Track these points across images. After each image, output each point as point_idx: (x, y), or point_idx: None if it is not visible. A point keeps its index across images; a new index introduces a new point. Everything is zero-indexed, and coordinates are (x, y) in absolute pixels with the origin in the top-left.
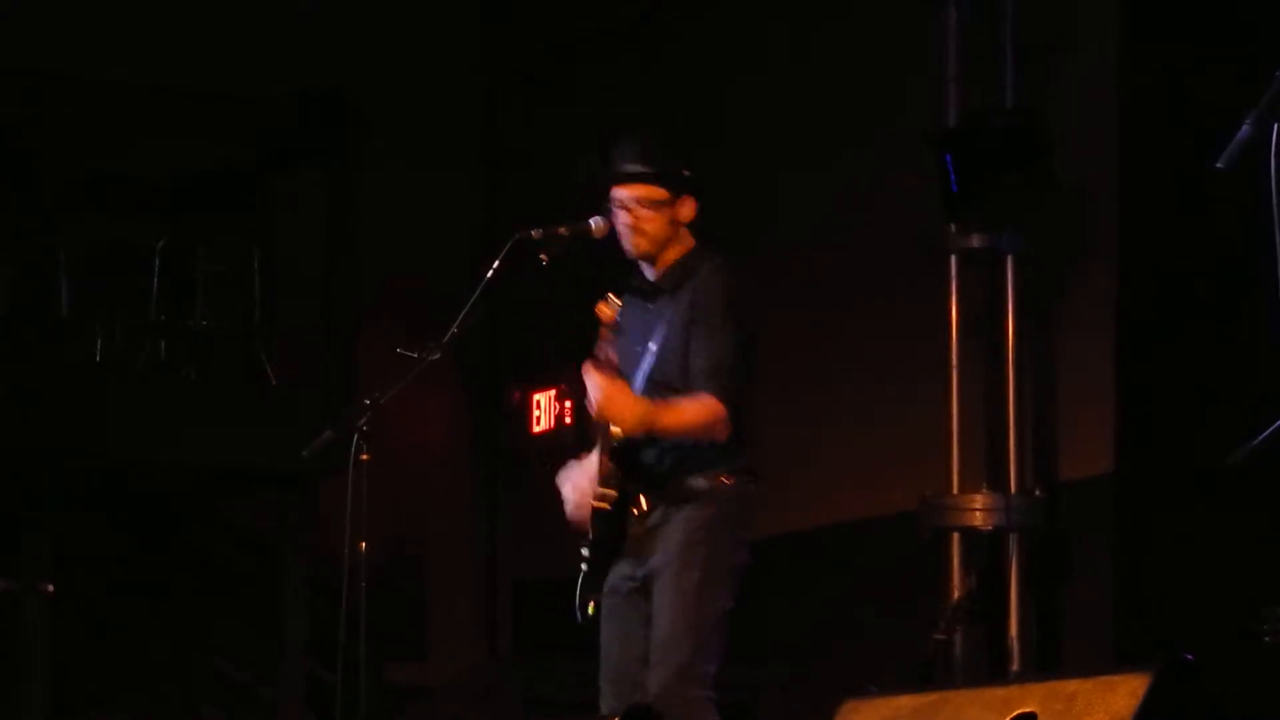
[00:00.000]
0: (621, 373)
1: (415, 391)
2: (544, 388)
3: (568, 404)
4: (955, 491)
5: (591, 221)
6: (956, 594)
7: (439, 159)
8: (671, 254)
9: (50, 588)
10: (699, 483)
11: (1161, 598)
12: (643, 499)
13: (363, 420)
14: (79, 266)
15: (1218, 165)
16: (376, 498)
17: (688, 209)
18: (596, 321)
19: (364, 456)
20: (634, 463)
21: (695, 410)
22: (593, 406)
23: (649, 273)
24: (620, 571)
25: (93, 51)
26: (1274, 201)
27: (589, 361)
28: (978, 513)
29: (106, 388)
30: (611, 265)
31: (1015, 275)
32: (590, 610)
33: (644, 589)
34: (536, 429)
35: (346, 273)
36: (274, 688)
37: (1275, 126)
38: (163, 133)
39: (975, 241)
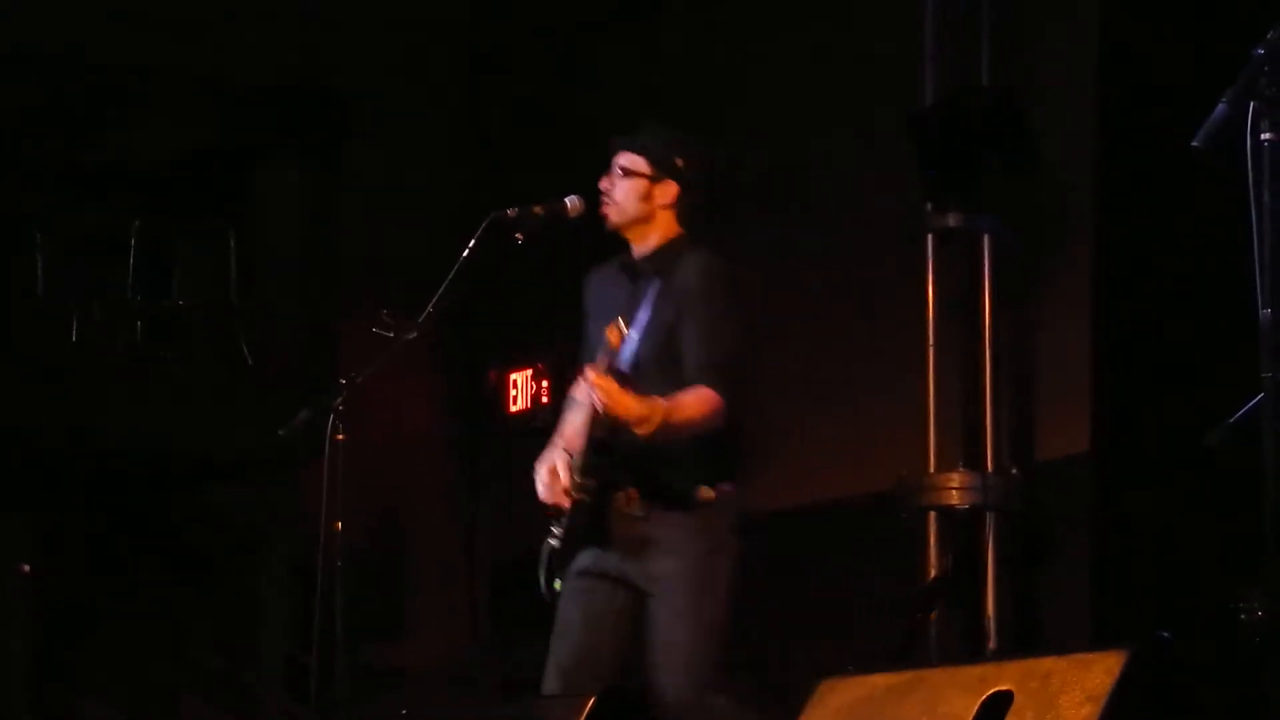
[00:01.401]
0: (592, 340)
1: (392, 372)
2: (521, 367)
3: (544, 384)
4: (932, 471)
5: (567, 201)
6: (933, 573)
7: (419, 142)
8: (653, 237)
9: (27, 568)
10: (697, 491)
11: (1138, 576)
12: (635, 496)
13: (339, 400)
14: (55, 248)
15: (1195, 144)
16: (354, 480)
17: (668, 194)
18: (572, 299)
19: (340, 436)
20: (616, 452)
21: (697, 405)
22: (600, 407)
23: (635, 251)
24: (596, 557)
25: (72, 35)
26: (1251, 180)
27: (591, 368)
28: (954, 492)
29: (83, 369)
30: (586, 244)
31: (992, 255)
32: (556, 587)
33: (625, 583)
34: (514, 408)
35: (325, 255)
36: (253, 672)
37: (1252, 106)
38: (141, 116)
39: (952, 221)
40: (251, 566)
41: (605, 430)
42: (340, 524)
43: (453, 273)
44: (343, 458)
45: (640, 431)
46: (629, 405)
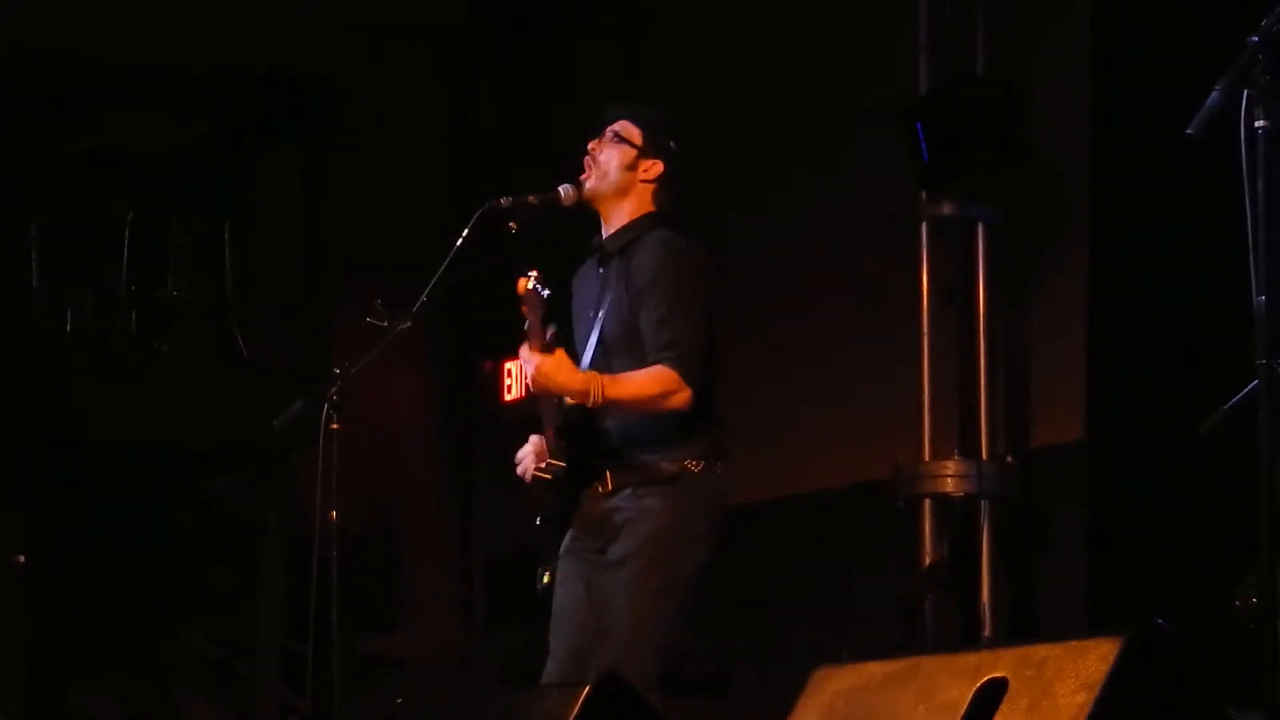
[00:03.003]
0: (577, 340)
1: (387, 362)
2: (515, 356)
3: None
4: (927, 459)
5: (561, 189)
6: (929, 561)
7: (411, 133)
8: (625, 213)
9: (22, 559)
10: (667, 466)
11: (1133, 564)
12: (608, 476)
13: (333, 390)
14: (50, 239)
15: (1189, 132)
16: (349, 470)
17: (653, 170)
18: (567, 289)
19: (334, 426)
20: (586, 435)
21: (646, 381)
22: (530, 382)
23: (604, 230)
24: (575, 537)
25: (68, 27)
26: (1244, 168)
27: (523, 347)
28: (950, 479)
29: (77, 360)
30: (581, 233)
31: (987, 244)
32: (545, 579)
33: (602, 554)
34: (508, 398)
35: (319, 245)
36: (249, 662)
37: (1245, 93)
38: (136, 108)
39: (947, 210)
40: (247, 556)
41: (562, 410)
42: (335, 514)
43: (446, 262)
44: (337, 448)
45: (589, 403)
46: (565, 380)
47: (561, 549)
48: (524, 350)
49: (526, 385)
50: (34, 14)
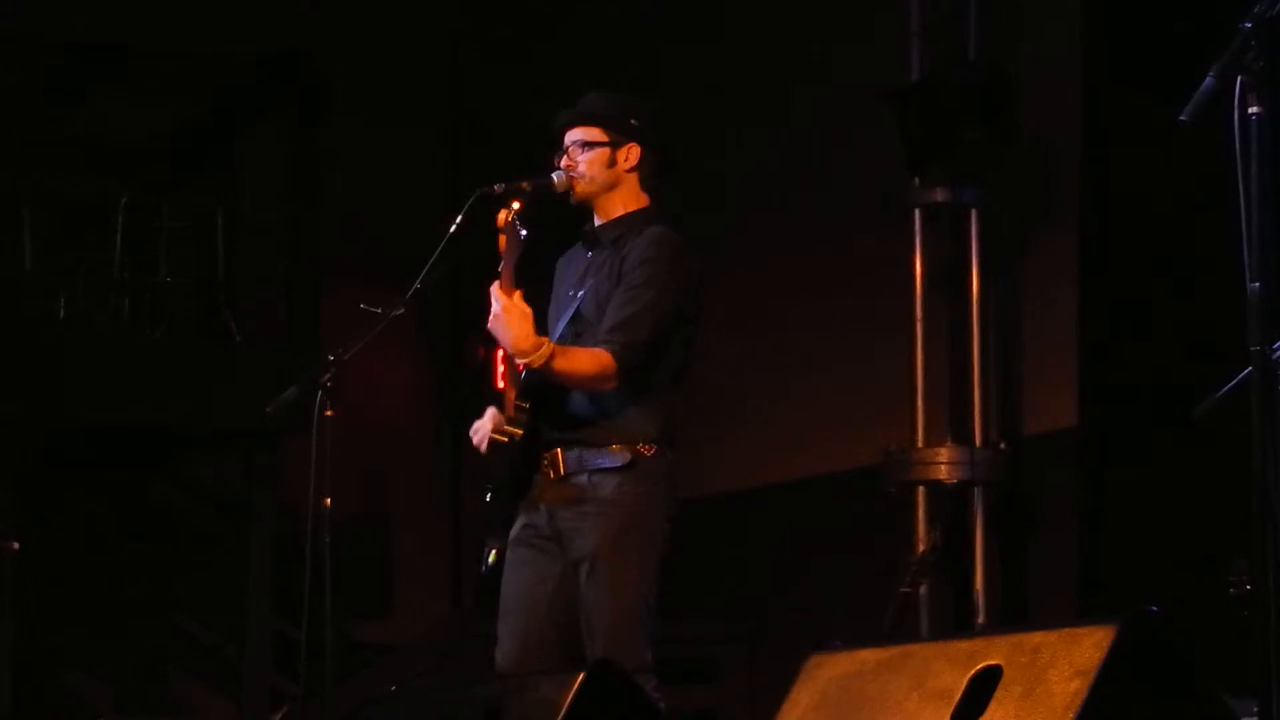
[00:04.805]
0: (550, 317)
1: (379, 348)
2: None
3: None
4: (920, 445)
5: (554, 175)
6: (922, 548)
7: (402, 116)
8: (617, 205)
9: (16, 545)
10: (619, 449)
11: (1126, 550)
12: (559, 457)
13: (326, 376)
14: (42, 224)
15: (1181, 118)
16: (341, 455)
17: (631, 155)
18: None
19: (327, 413)
20: (543, 404)
21: (585, 359)
22: (491, 321)
23: (597, 220)
24: (527, 521)
25: (56, 11)
26: (1238, 154)
27: (495, 283)
28: (942, 466)
29: (69, 345)
30: (575, 220)
31: (979, 229)
32: (492, 558)
33: (557, 547)
34: (500, 384)
35: (309, 229)
36: (241, 646)
37: (1238, 79)
38: (125, 91)
39: (939, 196)
40: (237, 542)
41: (522, 383)
42: (329, 500)
43: (439, 248)
44: (330, 434)
45: (526, 363)
46: (518, 332)
47: (513, 535)
48: (494, 288)
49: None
50: None
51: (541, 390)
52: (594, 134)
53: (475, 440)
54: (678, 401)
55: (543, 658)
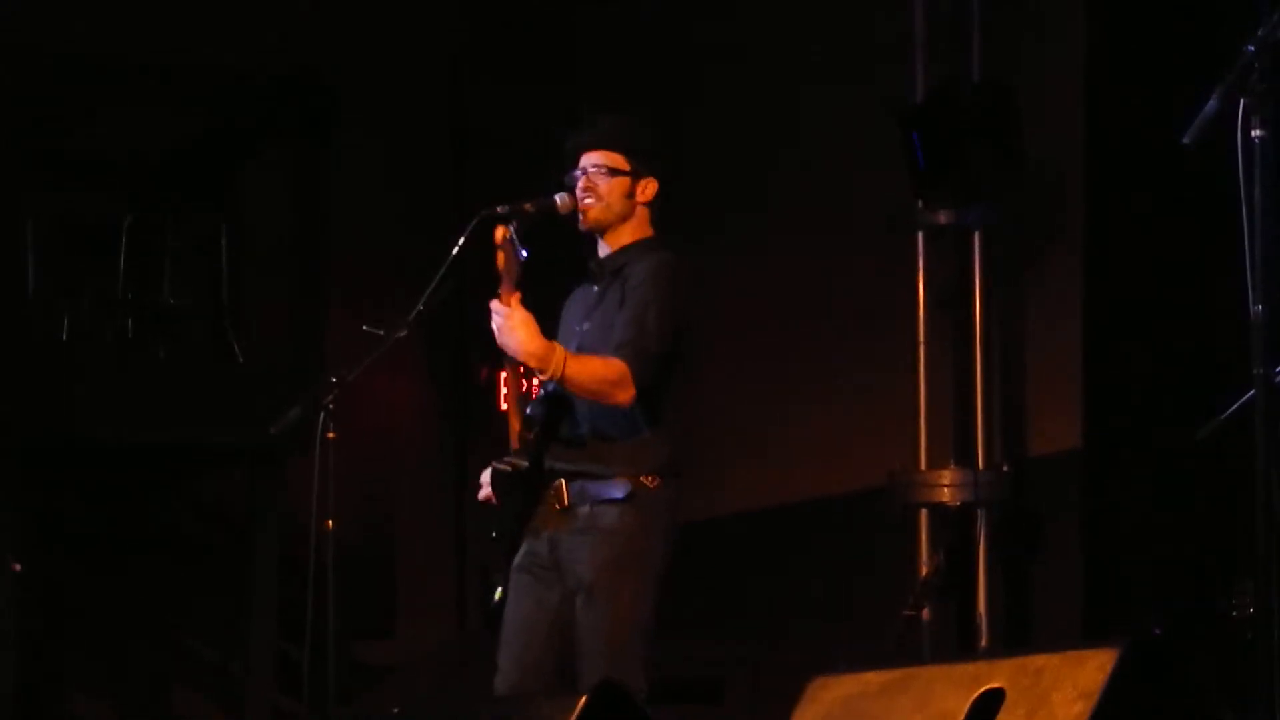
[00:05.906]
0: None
1: (383, 369)
2: (512, 364)
3: (535, 381)
4: (923, 467)
5: (557, 197)
6: (925, 570)
7: (407, 136)
8: (626, 235)
9: (18, 566)
10: (622, 481)
11: (1129, 573)
12: (564, 489)
13: (330, 398)
14: (46, 242)
15: (1185, 141)
16: (345, 476)
17: (649, 189)
18: (563, 295)
19: (330, 434)
20: (547, 435)
21: (600, 365)
22: (497, 331)
23: (602, 250)
24: (529, 550)
25: (61, 27)
26: (1241, 177)
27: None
28: (945, 488)
29: (73, 364)
30: (577, 240)
31: (983, 251)
32: (498, 596)
33: (556, 577)
34: (504, 406)
35: (315, 249)
36: (244, 665)
37: (1242, 101)
38: (130, 108)
39: (943, 218)
40: (241, 559)
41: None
42: (331, 522)
43: (443, 270)
44: (333, 455)
45: (540, 369)
46: (527, 338)
47: (515, 563)
48: (494, 303)
49: (494, 353)
50: (26, 13)
51: (546, 421)
52: (617, 161)
53: (480, 496)
54: (681, 433)
55: (540, 684)
